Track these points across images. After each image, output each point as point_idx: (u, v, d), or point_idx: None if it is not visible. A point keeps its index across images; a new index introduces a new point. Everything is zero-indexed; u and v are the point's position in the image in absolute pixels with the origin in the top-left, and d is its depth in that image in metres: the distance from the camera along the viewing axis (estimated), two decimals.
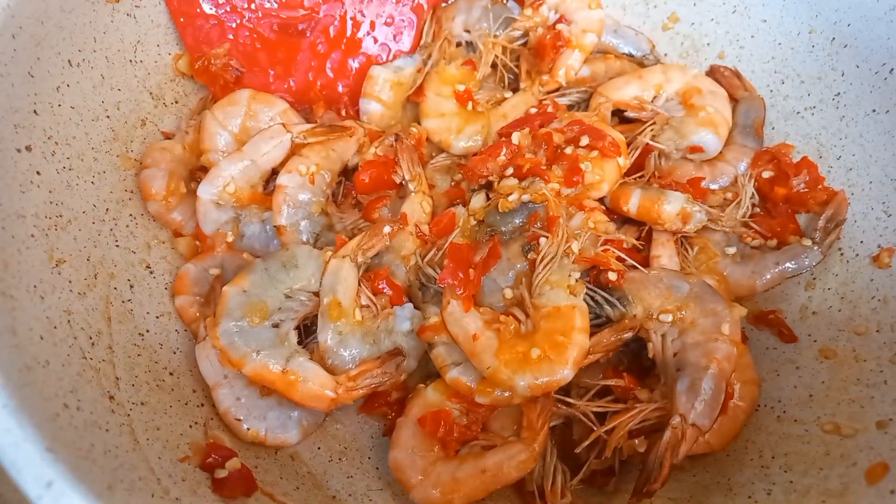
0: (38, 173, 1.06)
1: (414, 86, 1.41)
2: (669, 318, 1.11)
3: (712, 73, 1.45)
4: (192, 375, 1.20)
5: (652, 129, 1.33)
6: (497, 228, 1.19)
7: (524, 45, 1.44)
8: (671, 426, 1.02)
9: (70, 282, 1.07)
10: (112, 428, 0.96)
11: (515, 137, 1.24)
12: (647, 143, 1.32)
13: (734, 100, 1.41)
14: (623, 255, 1.17)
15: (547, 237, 1.13)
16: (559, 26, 1.39)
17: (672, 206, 1.20)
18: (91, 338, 1.05)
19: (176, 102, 1.39)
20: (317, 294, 1.17)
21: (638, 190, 1.23)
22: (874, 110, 1.25)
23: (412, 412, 1.14)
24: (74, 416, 0.89)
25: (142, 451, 0.98)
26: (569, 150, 1.23)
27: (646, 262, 1.22)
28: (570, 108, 1.41)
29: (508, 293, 1.14)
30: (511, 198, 1.18)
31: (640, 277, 1.15)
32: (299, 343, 1.17)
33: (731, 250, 1.28)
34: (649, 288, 1.14)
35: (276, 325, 1.15)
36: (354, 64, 1.44)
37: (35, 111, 1.07)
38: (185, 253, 1.31)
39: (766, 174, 1.33)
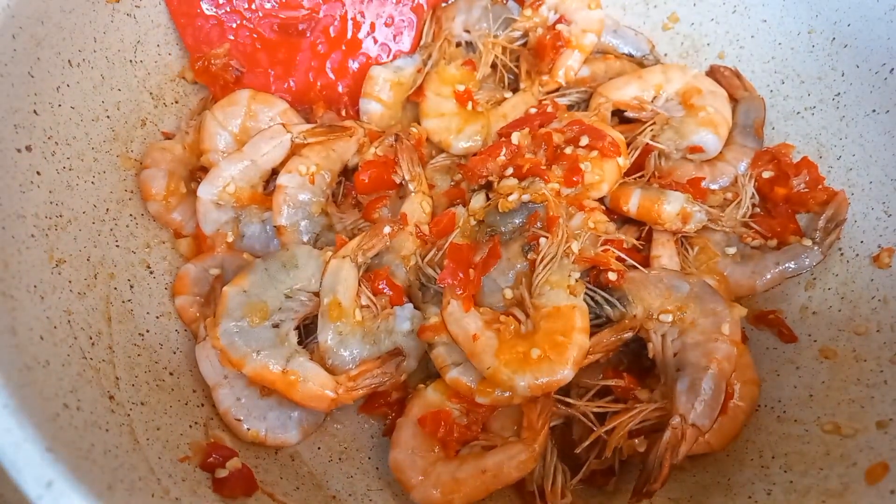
0: (38, 173, 1.06)
1: (414, 86, 1.41)
2: (669, 318, 1.11)
3: (712, 73, 1.45)
4: (192, 375, 1.20)
5: (652, 129, 1.33)
6: (497, 228, 1.19)
7: (524, 45, 1.44)
8: (671, 426, 1.02)
9: (70, 282, 1.07)
10: (112, 428, 0.96)
11: (515, 137, 1.24)
12: (647, 143, 1.32)
13: (734, 100, 1.41)
14: (623, 255, 1.17)
15: (547, 237, 1.13)
16: (559, 26, 1.39)
17: (672, 205, 1.20)
18: (91, 338, 1.05)
19: (176, 102, 1.39)
20: (317, 294, 1.17)
21: (638, 190, 1.23)
22: (874, 110, 1.25)
23: (412, 412, 1.14)
24: (74, 416, 0.89)
25: (142, 451, 0.98)
26: (568, 150, 1.23)
27: (646, 262, 1.22)
28: (569, 108, 1.41)
29: (508, 293, 1.14)
30: (511, 198, 1.18)
31: (640, 277, 1.15)
32: (299, 343, 1.17)
33: (732, 250, 1.28)
34: (649, 288, 1.14)
35: (276, 326, 1.15)
36: (354, 64, 1.44)
37: (35, 111, 1.07)
38: (186, 253, 1.31)
39: (767, 174, 1.33)
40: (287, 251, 1.20)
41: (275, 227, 1.24)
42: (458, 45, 1.47)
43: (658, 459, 1.01)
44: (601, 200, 1.26)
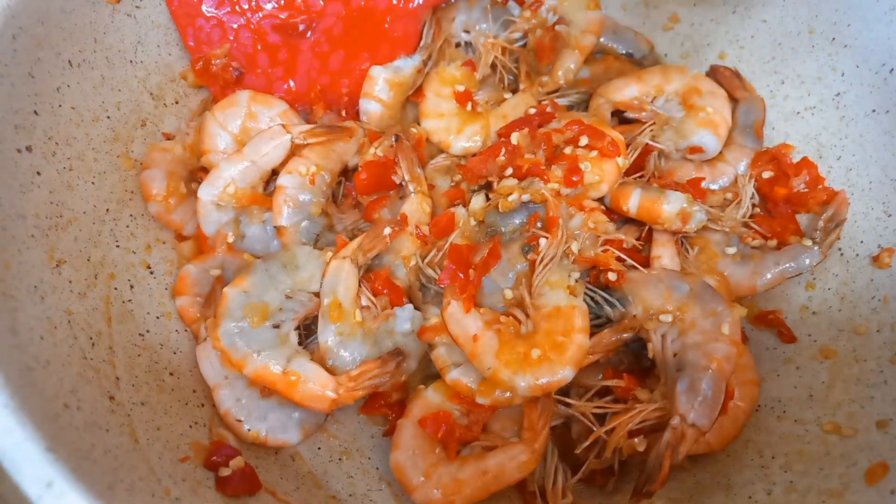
0: (38, 174, 1.06)
1: (414, 86, 1.41)
2: (669, 318, 1.11)
3: (712, 73, 1.45)
4: (192, 376, 1.20)
5: (651, 130, 1.33)
6: (497, 229, 1.19)
7: (524, 46, 1.44)
8: (671, 426, 1.02)
9: (70, 282, 1.07)
10: (112, 428, 0.96)
11: (514, 138, 1.24)
12: (647, 144, 1.32)
13: (734, 100, 1.41)
14: (623, 256, 1.17)
15: (547, 238, 1.13)
16: (558, 27, 1.39)
17: (672, 205, 1.20)
18: (91, 338, 1.05)
19: (176, 103, 1.39)
20: (317, 294, 1.17)
21: (638, 189, 1.23)
22: (874, 110, 1.25)
23: (413, 413, 1.14)
24: (75, 416, 0.89)
25: (142, 452, 0.98)
26: (568, 150, 1.23)
27: (646, 263, 1.22)
28: (569, 108, 1.41)
29: (508, 293, 1.14)
30: (511, 198, 1.18)
31: (640, 277, 1.15)
32: (300, 344, 1.17)
33: (732, 250, 1.28)
34: (649, 288, 1.14)
35: (276, 326, 1.15)
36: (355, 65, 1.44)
37: (35, 112, 1.07)
38: (188, 255, 1.31)
39: (766, 174, 1.33)
40: (287, 252, 1.20)
41: (275, 227, 1.24)
42: (458, 45, 1.47)
43: (658, 459, 1.01)
44: (601, 200, 1.26)
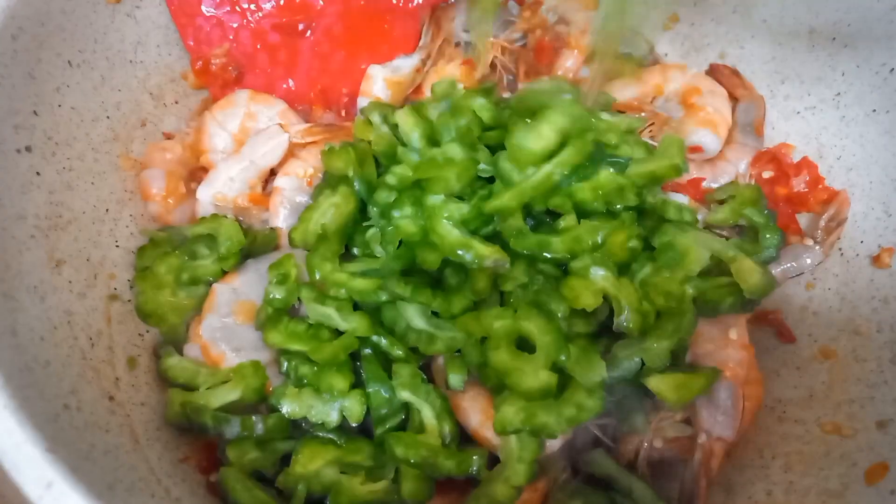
0: (38, 174, 1.06)
1: (413, 85, 1.41)
2: None
3: (712, 72, 1.45)
4: None
5: (651, 130, 1.33)
6: None
7: (523, 45, 1.44)
8: (699, 445, 1.02)
9: (70, 282, 1.07)
10: (112, 428, 0.96)
11: None
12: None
13: (734, 99, 1.41)
14: None
15: None
16: (558, 27, 1.39)
17: None
18: (91, 338, 1.05)
19: (176, 103, 1.39)
20: None
21: None
22: (874, 110, 1.25)
23: None
24: (75, 416, 0.90)
25: (142, 452, 0.98)
26: None
27: None
28: None
29: None
30: None
31: None
32: None
33: None
34: None
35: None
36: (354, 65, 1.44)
37: (35, 112, 1.07)
38: None
39: (767, 174, 1.33)
40: (281, 254, 1.19)
41: (271, 229, 1.24)
42: (458, 45, 1.47)
43: (693, 482, 1.01)
44: None
